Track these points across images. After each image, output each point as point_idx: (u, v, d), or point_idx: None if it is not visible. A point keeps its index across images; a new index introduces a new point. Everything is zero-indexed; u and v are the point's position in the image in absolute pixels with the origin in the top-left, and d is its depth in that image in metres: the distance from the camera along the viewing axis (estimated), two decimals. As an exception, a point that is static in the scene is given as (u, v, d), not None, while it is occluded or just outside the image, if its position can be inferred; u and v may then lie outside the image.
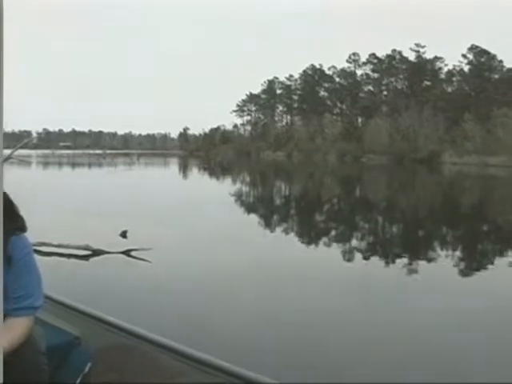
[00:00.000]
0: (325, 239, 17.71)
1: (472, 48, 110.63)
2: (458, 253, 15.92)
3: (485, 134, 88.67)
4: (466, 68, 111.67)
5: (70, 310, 3.40)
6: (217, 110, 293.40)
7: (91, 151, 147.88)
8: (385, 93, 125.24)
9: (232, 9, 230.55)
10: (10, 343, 2.53)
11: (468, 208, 29.46)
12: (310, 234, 19.22)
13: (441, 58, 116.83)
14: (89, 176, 54.15)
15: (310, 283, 10.94)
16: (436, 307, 9.41)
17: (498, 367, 6.81)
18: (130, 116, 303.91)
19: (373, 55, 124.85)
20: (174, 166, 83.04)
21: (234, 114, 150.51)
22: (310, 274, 11.80)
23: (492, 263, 14.49)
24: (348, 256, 14.44)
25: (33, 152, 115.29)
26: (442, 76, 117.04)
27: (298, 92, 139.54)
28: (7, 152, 22.45)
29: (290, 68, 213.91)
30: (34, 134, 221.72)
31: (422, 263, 13.72)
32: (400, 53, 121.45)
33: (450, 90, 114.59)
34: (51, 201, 24.82)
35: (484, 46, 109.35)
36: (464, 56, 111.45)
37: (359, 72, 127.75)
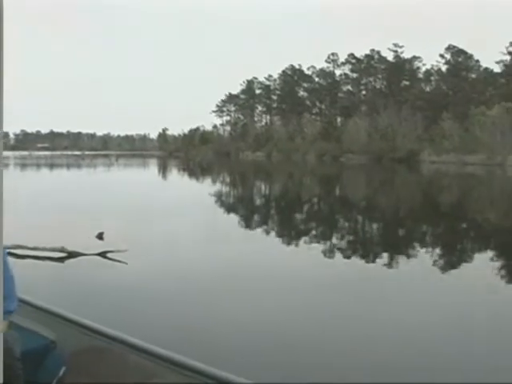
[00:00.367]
0: (305, 239, 17.62)
1: (449, 48, 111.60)
2: (437, 250, 15.93)
3: (463, 133, 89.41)
4: (444, 68, 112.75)
5: (46, 314, 3.34)
6: (196, 110, 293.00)
7: (70, 152, 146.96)
8: (363, 92, 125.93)
9: (210, 10, 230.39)
10: None
11: (447, 206, 29.57)
12: (290, 234, 19.12)
13: (419, 57, 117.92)
14: (67, 177, 53.66)
15: (290, 283, 10.83)
16: (416, 305, 9.40)
17: (478, 362, 6.78)
18: (108, 117, 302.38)
19: (351, 55, 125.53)
20: (153, 167, 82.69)
21: (214, 114, 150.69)
22: (290, 274, 11.70)
23: (471, 260, 14.54)
24: (329, 255, 14.37)
25: (10, 153, 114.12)
26: (420, 75, 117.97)
27: (277, 92, 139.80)
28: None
29: (269, 68, 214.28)
30: (12, 136, 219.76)
31: (402, 261, 13.70)
32: (378, 53, 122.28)
33: (428, 89, 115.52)
34: (27, 203, 24.47)
35: (461, 46, 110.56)
36: (442, 56, 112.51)
37: (338, 72, 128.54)
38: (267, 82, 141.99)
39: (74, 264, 12.08)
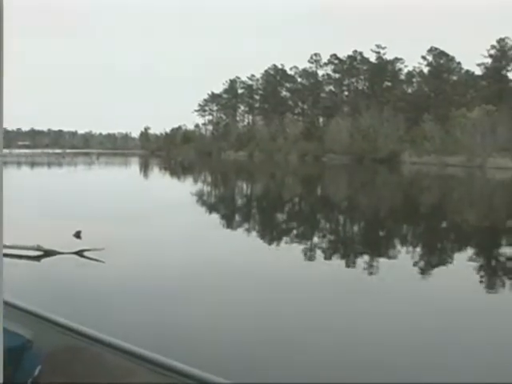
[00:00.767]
0: (286, 238, 17.57)
1: (431, 50, 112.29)
2: (417, 250, 15.96)
3: (443, 135, 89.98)
4: (426, 69, 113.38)
5: (23, 313, 3.22)
6: (178, 109, 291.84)
7: (50, 150, 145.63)
8: (346, 93, 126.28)
9: (193, 9, 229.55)
10: None
11: (427, 207, 29.70)
12: (271, 234, 19.05)
13: (401, 59, 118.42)
14: (47, 175, 53.16)
15: (270, 282, 10.77)
16: (396, 303, 9.39)
17: (460, 359, 6.77)
18: (90, 115, 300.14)
19: (334, 56, 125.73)
20: (134, 166, 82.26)
21: (196, 113, 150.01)
22: (270, 273, 11.63)
23: (451, 260, 14.59)
24: (309, 255, 14.32)
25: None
26: (402, 77, 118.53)
27: (260, 92, 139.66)
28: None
29: (251, 68, 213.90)
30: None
31: (383, 261, 13.69)
32: (361, 54, 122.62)
33: (409, 90, 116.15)
34: (4, 200, 24.11)
35: (443, 48, 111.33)
36: (423, 57, 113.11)
37: (321, 72, 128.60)
38: (250, 82, 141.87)
39: (51, 262, 11.92)
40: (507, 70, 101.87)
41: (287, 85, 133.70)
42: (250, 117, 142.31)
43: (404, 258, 14.07)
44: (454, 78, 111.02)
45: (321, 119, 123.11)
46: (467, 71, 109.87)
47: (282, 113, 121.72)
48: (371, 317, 8.76)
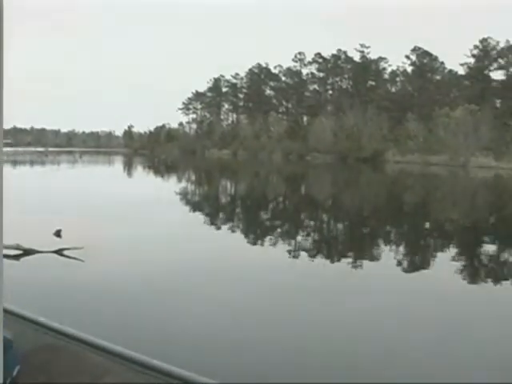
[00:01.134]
0: (270, 237, 17.47)
1: (415, 49, 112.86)
2: (401, 249, 15.96)
3: (427, 134, 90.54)
4: (409, 69, 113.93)
5: (2, 312, 3.15)
6: (162, 108, 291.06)
7: (33, 149, 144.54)
8: (330, 92, 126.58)
9: (176, 8, 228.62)
10: None
11: (411, 206, 29.79)
12: (255, 233, 18.95)
13: (385, 58, 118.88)
14: (29, 174, 52.67)
15: (254, 281, 10.68)
16: (380, 302, 9.36)
17: (443, 358, 6.72)
18: (73, 113, 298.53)
19: (318, 55, 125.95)
20: (118, 164, 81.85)
21: (180, 112, 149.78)
22: (254, 273, 11.54)
23: (434, 258, 14.64)
24: (293, 254, 14.24)
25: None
26: (386, 76, 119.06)
27: (244, 90, 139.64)
28: None
29: (236, 66, 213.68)
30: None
31: (367, 259, 13.69)
32: (345, 53, 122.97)
33: (393, 89, 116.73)
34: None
35: (426, 48, 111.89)
36: (407, 57, 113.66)
37: (305, 71, 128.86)
38: (234, 81, 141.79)
39: (30, 261, 11.74)
40: (490, 70, 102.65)
41: (271, 83, 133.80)
42: (234, 115, 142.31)
43: (388, 256, 14.05)
44: (438, 77, 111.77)
45: (305, 118, 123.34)
46: (450, 71, 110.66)
47: (266, 111, 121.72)
48: (357, 314, 8.74)
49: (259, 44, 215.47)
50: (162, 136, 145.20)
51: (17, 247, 12.14)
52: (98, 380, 2.58)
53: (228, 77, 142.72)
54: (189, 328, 7.73)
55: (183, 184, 43.60)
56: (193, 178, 55.67)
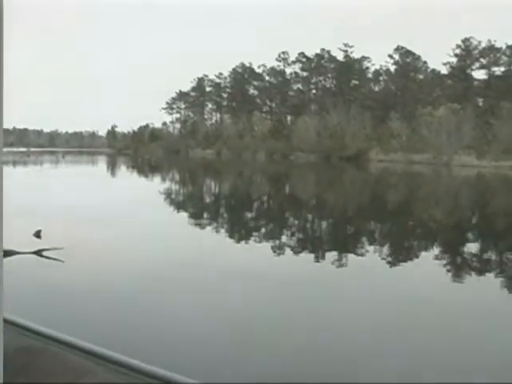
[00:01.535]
0: (255, 236, 17.40)
1: (398, 49, 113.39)
2: (385, 248, 15.94)
3: (410, 133, 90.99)
4: (393, 68, 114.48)
5: None
6: (146, 107, 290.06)
7: (15, 149, 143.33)
8: (313, 91, 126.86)
9: (160, 7, 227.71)
10: None
11: (394, 204, 29.85)
12: (239, 232, 18.86)
13: (368, 57, 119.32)
14: (10, 174, 52.17)
15: (238, 281, 10.59)
16: (365, 301, 9.33)
17: (427, 357, 6.70)
18: (56, 113, 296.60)
19: (302, 54, 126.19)
20: (101, 164, 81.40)
21: (164, 111, 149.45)
22: (238, 272, 11.45)
23: (418, 257, 14.68)
24: (278, 253, 14.18)
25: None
26: (370, 75, 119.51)
27: (228, 90, 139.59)
28: None
29: (219, 66, 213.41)
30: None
31: (351, 257, 13.67)
32: (328, 52, 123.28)
33: (376, 89, 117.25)
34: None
35: (409, 48, 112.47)
36: (390, 56, 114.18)
37: (288, 70, 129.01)
38: (218, 80, 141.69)
39: (9, 262, 11.52)
40: (472, 70, 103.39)
41: (255, 83, 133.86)
42: (218, 115, 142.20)
43: (372, 255, 14.06)
44: (421, 76, 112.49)
45: (288, 117, 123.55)
46: (433, 70, 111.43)
47: (250, 111, 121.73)
48: (341, 311, 8.75)
49: (243, 44, 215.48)
50: (146, 136, 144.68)
51: (-6, 248, 11.94)
52: (77, 380, 2.55)
53: (212, 76, 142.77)
54: (171, 328, 7.66)
55: (167, 184, 43.39)
56: (177, 177, 55.45)
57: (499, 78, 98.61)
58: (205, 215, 23.86)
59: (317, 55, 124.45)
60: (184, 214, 23.86)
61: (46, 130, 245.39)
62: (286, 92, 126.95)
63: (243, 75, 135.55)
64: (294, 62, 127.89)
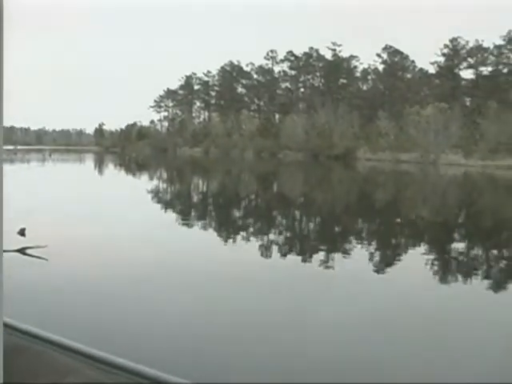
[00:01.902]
0: (243, 235, 17.34)
1: (386, 48, 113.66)
2: (373, 245, 15.93)
3: (398, 132, 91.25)
4: (381, 67, 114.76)
5: None
6: (134, 105, 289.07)
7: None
8: (302, 90, 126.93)
9: (148, 5, 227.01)
10: None
11: (382, 203, 29.88)
12: (227, 230, 18.77)
13: (356, 56, 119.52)
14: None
15: (226, 281, 10.51)
16: (352, 299, 9.31)
17: (415, 355, 6.67)
18: (43, 111, 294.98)
19: (290, 53, 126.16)
20: (89, 162, 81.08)
21: (151, 109, 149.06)
22: (226, 271, 11.37)
23: (405, 254, 14.71)
24: (266, 252, 14.12)
25: None
26: (358, 74, 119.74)
27: (216, 88, 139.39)
28: None
29: (207, 64, 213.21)
30: None
31: (339, 256, 13.65)
32: (317, 51, 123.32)
33: (364, 88, 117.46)
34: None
35: (397, 47, 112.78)
36: (378, 55, 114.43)
37: (277, 69, 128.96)
38: (206, 78, 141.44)
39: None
40: (459, 69, 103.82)
41: (243, 81, 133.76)
42: (206, 113, 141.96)
43: (359, 253, 14.04)
44: (408, 75, 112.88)
45: (277, 116, 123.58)
46: (421, 69, 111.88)
47: (238, 109, 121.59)
48: (329, 310, 8.69)
49: (231, 41, 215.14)
50: (134, 134, 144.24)
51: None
52: (61, 379, 2.52)
53: (200, 74, 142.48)
54: (158, 326, 7.58)
55: (154, 182, 43.23)
56: (164, 176, 55.28)
57: (486, 78, 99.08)
58: (192, 213, 23.76)
59: (305, 54, 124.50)
60: (171, 213, 23.75)
61: (33, 127, 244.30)
62: (274, 90, 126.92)
63: (231, 73, 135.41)
64: (282, 61, 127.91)
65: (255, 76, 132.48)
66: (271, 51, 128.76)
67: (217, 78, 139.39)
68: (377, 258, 13.98)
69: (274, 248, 14.85)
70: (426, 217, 24.18)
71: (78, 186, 35.63)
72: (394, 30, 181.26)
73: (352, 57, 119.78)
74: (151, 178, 48.23)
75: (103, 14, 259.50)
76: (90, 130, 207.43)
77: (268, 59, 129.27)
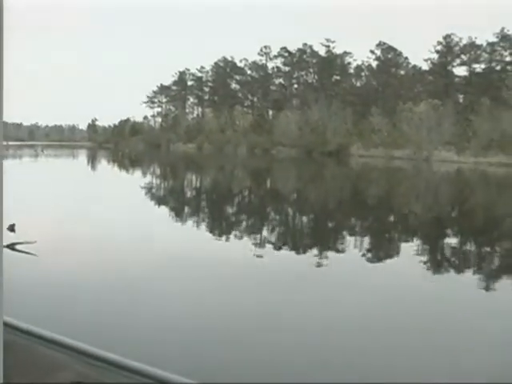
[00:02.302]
0: (236, 231, 17.34)
1: (379, 44, 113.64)
2: (366, 241, 15.95)
3: (391, 128, 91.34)
4: (374, 64, 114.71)
5: None
6: (127, 101, 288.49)
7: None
8: (295, 86, 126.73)
9: (143, 2, 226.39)
10: None
11: (375, 199, 29.91)
12: (221, 227, 18.75)
13: (350, 53, 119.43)
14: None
15: (218, 276, 10.49)
16: (346, 296, 9.32)
17: (408, 351, 6.68)
18: (36, 107, 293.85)
19: (284, 49, 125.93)
20: (81, 158, 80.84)
21: (145, 105, 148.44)
22: (219, 267, 11.34)
23: (398, 250, 14.73)
24: (259, 247, 14.12)
25: None
26: (351, 71, 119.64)
27: (210, 84, 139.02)
28: None
29: (201, 59, 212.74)
30: None
31: (332, 252, 13.67)
32: (311, 47, 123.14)
33: (358, 84, 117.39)
34: None
35: (391, 44, 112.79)
36: (372, 52, 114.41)
37: (270, 65, 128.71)
38: (199, 74, 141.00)
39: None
40: (453, 66, 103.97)
41: (237, 77, 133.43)
42: (200, 109, 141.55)
43: (353, 249, 14.07)
44: (402, 72, 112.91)
45: (270, 112, 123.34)
46: (414, 66, 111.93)
47: (232, 105, 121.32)
48: (324, 307, 8.74)
49: (225, 38, 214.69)
50: (127, 130, 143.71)
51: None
52: (50, 374, 2.51)
53: (193, 70, 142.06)
54: (149, 322, 7.56)
55: (148, 178, 43.11)
56: (158, 171, 55.15)
57: (479, 75, 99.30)
58: (185, 209, 23.73)
59: (299, 50, 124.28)
60: (164, 208, 23.70)
61: (26, 123, 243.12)
62: (267, 86, 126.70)
63: (225, 69, 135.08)
64: (275, 57, 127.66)
65: (249, 72, 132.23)
66: (265, 47, 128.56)
67: (210, 73, 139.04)
68: (370, 252, 14.00)
69: (267, 243, 14.85)
70: (418, 213, 24.21)
71: (70, 182, 35.50)
72: (388, 27, 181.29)
73: (346, 53, 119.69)
74: (144, 174, 48.11)
75: (99, 12, 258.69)
76: (83, 125, 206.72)
77: (262, 55, 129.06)
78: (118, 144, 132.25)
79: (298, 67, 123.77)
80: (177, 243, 14.45)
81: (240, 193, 33.15)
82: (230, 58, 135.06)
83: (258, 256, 13.03)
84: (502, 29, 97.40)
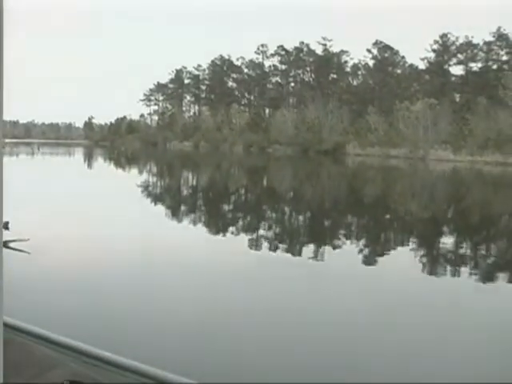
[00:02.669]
0: (232, 229, 17.34)
1: (376, 43, 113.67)
2: (362, 240, 15.98)
3: (387, 127, 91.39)
4: (371, 62, 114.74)
5: None
6: (124, 99, 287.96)
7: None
8: (292, 84, 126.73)
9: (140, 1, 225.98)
10: None
11: (371, 198, 29.93)
12: (217, 224, 18.75)
13: (347, 51, 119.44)
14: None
15: (214, 274, 10.50)
16: (341, 294, 9.36)
17: (404, 350, 6.70)
18: (32, 104, 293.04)
19: (281, 47, 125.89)
20: (78, 156, 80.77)
21: (141, 103, 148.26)
22: (215, 265, 11.35)
23: (394, 248, 14.76)
24: (255, 246, 14.13)
25: None
26: (348, 69, 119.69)
27: (206, 82, 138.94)
28: None
29: (198, 58, 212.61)
30: None
31: (328, 250, 13.68)
32: (307, 45, 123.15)
33: (355, 83, 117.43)
34: None
35: (387, 42, 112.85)
36: (369, 51, 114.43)
37: (267, 63, 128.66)
38: (196, 72, 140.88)
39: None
40: (449, 65, 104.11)
41: (234, 75, 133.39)
42: (196, 107, 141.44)
43: (349, 247, 14.09)
44: (398, 71, 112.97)
45: (267, 110, 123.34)
46: (411, 65, 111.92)
47: (229, 103, 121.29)
48: (320, 304, 8.76)
49: (222, 36, 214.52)
50: (123, 128, 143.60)
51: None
52: (45, 373, 2.46)
53: (190, 68, 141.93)
54: (145, 319, 7.57)
55: (144, 176, 43.08)
56: (154, 170, 55.11)
57: (476, 74, 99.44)
58: (181, 207, 23.73)
59: (296, 48, 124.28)
60: (160, 206, 23.69)
61: (22, 121, 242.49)
62: (264, 85, 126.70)
63: (222, 67, 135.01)
64: (272, 55, 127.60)
65: (246, 70, 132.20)
66: (262, 45, 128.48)
67: (207, 72, 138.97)
68: (365, 251, 14.03)
69: (264, 241, 14.87)
70: (414, 211, 24.25)
71: (65, 179, 35.46)
72: (385, 26, 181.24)
73: (342, 52, 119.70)
74: (141, 172, 48.07)
75: (96, 10, 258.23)
76: (79, 123, 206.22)
77: (258, 53, 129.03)
78: (114, 142, 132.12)
79: (295, 66, 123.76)
80: (172, 241, 14.43)
81: (236, 191, 33.15)
82: (226, 57, 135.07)
83: (254, 253, 13.06)
84: (499, 28, 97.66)
